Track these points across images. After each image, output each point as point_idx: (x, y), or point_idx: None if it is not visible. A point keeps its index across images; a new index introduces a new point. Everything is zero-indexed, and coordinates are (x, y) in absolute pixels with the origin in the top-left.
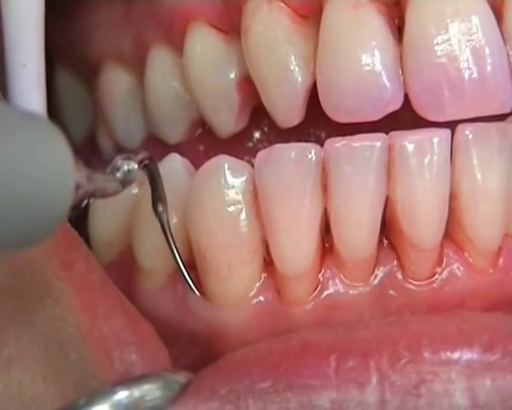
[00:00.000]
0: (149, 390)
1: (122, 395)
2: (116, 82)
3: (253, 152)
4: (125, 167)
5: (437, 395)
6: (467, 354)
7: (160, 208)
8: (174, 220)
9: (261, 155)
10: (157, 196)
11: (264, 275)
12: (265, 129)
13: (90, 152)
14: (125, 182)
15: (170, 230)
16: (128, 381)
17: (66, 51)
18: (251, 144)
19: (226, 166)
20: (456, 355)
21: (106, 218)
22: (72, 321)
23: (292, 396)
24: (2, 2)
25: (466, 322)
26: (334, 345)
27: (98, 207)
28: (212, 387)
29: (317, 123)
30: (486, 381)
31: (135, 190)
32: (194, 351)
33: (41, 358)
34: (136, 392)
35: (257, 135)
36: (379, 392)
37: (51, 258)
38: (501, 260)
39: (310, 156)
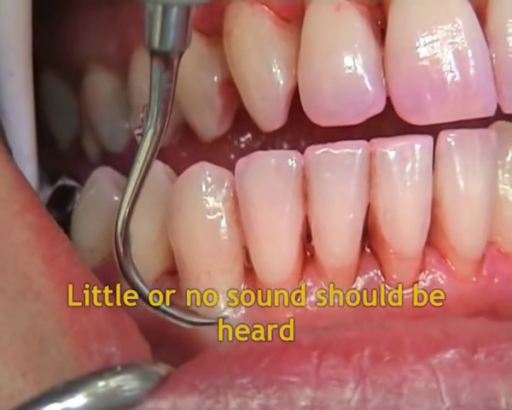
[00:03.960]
0: (127, 380)
1: (98, 384)
2: (101, 85)
3: (236, 156)
4: None
5: (419, 394)
6: (449, 353)
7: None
8: (155, 227)
9: (241, 162)
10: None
11: (244, 283)
12: (248, 133)
13: (76, 156)
14: None
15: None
16: (105, 370)
17: (51, 55)
18: (234, 148)
19: (207, 173)
20: (438, 354)
21: (88, 224)
22: (53, 315)
23: (272, 393)
24: None
25: (449, 325)
26: (315, 343)
27: (81, 213)
28: (192, 381)
29: (300, 127)
30: (469, 380)
31: (117, 197)
32: (175, 359)
33: (20, 354)
34: (113, 382)
35: (240, 139)
36: (360, 390)
37: (33, 253)
38: (484, 268)
39: (290, 164)
